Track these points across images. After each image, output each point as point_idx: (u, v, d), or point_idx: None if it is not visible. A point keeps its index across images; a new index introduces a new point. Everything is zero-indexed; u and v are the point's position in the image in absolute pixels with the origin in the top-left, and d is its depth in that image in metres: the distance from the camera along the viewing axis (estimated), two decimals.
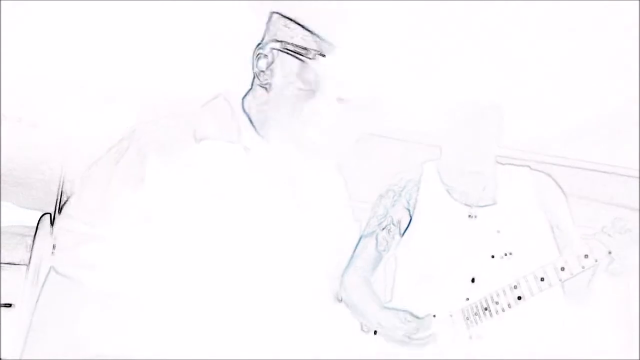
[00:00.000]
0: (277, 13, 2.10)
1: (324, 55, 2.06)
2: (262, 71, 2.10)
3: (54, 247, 2.08)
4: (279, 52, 2.10)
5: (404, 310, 2.17)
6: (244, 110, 2.12)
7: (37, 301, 1.98)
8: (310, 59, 2.07)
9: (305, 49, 2.07)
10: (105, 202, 1.99)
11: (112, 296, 1.95)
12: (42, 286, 2.00)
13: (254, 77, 2.14)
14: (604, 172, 2.40)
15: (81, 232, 1.97)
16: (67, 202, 2.09)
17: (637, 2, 2.33)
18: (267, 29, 2.13)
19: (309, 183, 2.14)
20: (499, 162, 2.27)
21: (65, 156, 2.30)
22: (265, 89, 2.11)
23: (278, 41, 2.09)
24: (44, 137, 2.30)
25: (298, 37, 2.07)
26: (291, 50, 2.08)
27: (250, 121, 2.11)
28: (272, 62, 2.10)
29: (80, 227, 1.98)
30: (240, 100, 2.15)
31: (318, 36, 2.07)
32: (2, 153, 2.26)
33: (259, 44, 2.12)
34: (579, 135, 2.38)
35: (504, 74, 2.28)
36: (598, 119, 2.36)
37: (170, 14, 2.32)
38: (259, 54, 2.10)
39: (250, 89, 2.15)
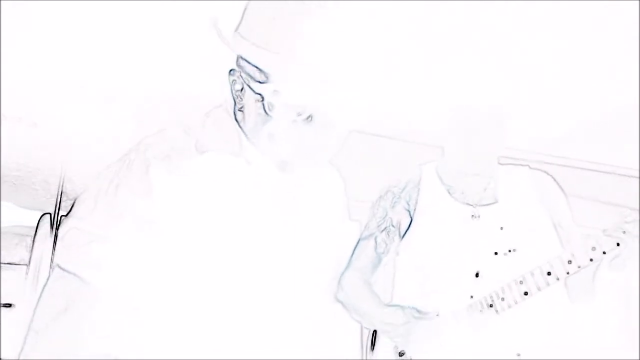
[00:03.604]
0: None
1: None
2: (238, 95, 2.12)
3: (55, 243, 2.10)
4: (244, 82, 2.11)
5: (410, 307, 2.16)
6: (237, 122, 2.14)
7: (39, 298, 1.99)
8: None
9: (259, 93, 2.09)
10: (114, 209, 2.02)
11: (119, 297, 1.97)
12: (45, 284, 2.01)
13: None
14: (604, 172, 2.40)
15: (92, 232, 2.00)
16: (76, 203, 2.11)
17: (637, 2, 2.33)
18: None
19: (305, 191, 2.15)
20: (499, 163, 2.27)
21: (65, 156, 2.30)
22: (242, 112, 2.12)
23: (244, 72, 2.11)
24: (44, 137, 2.30)
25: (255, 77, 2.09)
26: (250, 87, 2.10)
27: (244, 133, 2.13)
28: (242, 89, 2.11)
29: (91, 228, 2.01)
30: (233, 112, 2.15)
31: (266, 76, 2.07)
32: (2, 153, 2.26)
33: (232, 69, 2.13)
34: (579, 135, 2.38)
35: (504, 74, 2.27)
36: (598, 119, 2.36)
37: (172, 14, 2.32)
38: (233, 80, 2.13)
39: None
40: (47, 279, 2.02)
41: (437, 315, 2.16)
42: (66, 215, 2.09)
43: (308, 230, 2.13)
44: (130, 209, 2.00)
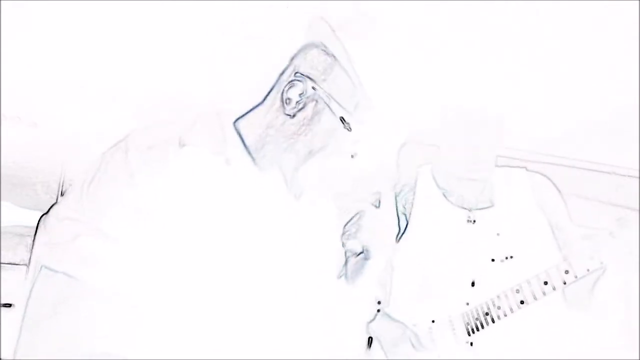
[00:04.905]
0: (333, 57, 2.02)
1: (349, 129, 2.03)
2: (297, 101, 2.02)
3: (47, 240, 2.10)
4: (321, 98, 2.02)
5: (409, 329, 2.15)
6: (237, 130, 2.08)
7: (28, 300, 2.00)
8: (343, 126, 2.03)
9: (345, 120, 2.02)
10: (98, 198, 2.02)
11: (110, 294, 1.97)
12: (33, 285, 2.01)
13: (265, 99, 2.08)
14: (604, 172, 2.40)
15: (76, 219, 2.00)
16: (63, 198, 2.12)
17: (637, 2, 2.33)
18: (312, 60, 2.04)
19: (297, 214, 2.14)
20: (497, 165, 2.26)
21: (65, 156, 2.30)
22: (290, 116, 2.03)
23: (320, 85, 2.01)
24: (44, 137, 2.30)
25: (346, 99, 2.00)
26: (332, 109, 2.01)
27: (243, 142, 2.08)
28: (308, 99, 2.02)
29: (75, 215, 2.02)
30: (233, 119, 2.10)
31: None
32: (2, 153, 2.26)
33: (297, 72, 2.03)
34: (579, 135, 2.38)
35: (503, 74, 2.28)
36: (598, 119, 2.36)
37: (172, 14, 2.32)
38: (294, 80, 2.01)
39: (250, 110, 2.09)
40: (35, 279, 2.01)
41: (433, 321, 2.16)
42: (46, 213, 2.11)
43: (302, 230, 2.13)
44: (115, 200, 2.00)
